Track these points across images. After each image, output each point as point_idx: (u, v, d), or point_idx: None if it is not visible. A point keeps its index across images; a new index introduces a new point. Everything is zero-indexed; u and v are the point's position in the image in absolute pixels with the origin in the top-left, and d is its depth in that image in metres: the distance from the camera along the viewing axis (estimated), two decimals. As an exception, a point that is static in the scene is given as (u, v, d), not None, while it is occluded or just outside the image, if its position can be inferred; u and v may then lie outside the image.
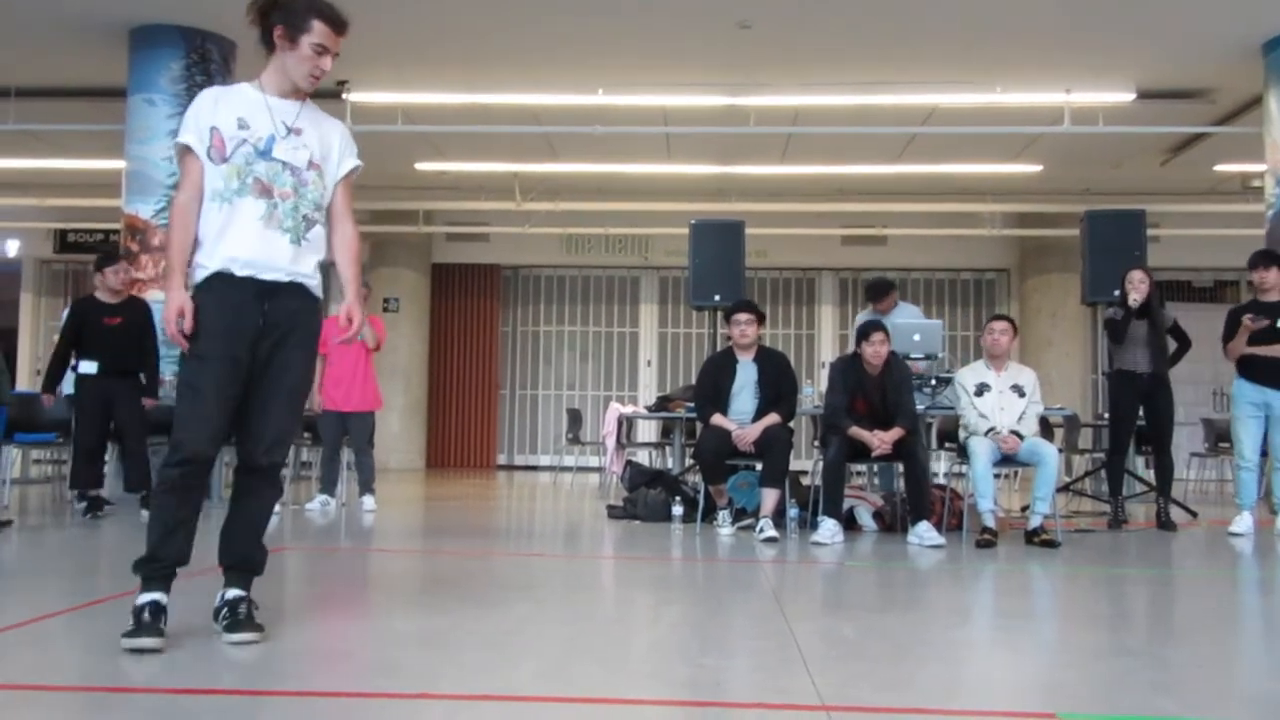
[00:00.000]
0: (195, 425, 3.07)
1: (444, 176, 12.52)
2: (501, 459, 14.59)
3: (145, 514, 6.55)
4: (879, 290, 7.95)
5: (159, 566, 3.04)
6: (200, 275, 3.09)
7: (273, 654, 2.93)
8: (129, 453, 6.83)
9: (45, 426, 7.47)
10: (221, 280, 3.07)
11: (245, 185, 3.07)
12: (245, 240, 3.06)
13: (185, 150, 3.09)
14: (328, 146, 3.24)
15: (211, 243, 3.07)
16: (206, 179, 3.07)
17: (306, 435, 9.28)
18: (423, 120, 9.89)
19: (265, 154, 3.09)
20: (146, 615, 2.94)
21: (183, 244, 3.07)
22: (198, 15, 7.97)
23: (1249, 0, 7.50)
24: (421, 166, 12.00)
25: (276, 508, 4.20)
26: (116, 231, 8.82)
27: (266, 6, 3.10)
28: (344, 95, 9.42)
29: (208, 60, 8.19)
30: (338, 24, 3.15)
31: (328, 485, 7.56)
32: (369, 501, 7.41)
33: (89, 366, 6.67)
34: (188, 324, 3.04)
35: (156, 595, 3.00)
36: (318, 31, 3.10)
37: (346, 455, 7.75)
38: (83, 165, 11.48)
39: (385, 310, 13.51)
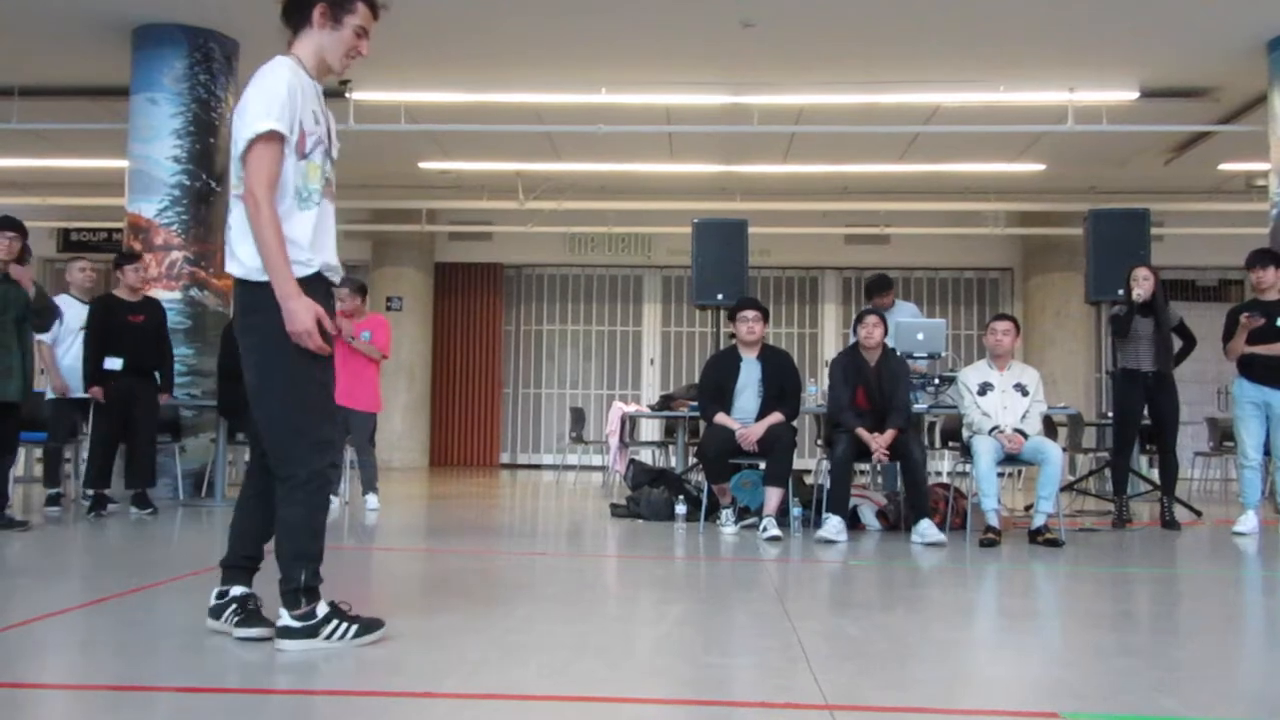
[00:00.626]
0: (333, 424, 3.12)
1: (447, 175, 12.53)
2: (505, 458, 14.60)
3: (136, 511, 6.64)
4: (879, 286, 8.00)
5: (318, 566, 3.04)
6: (300, 274, 2.95)
7: (276, 653, 2.94)
8: (139, 450, 6.86)
9: (39, 425, 7.48)
10: (320, 281, 3.03)
11: (323, 187, 3.04)
12: (332, 246, 3.07)
13: (273, 137, 2.89)
14: None
15: (306, 244, 2.97)
16: (284, 173, 2.94)
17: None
18: (426, 119, 9.90)
19: (329, 153, 3.08)
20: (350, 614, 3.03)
21: (284, 246, 2.90)
22: (201, 14, 7.98)
23: (1253, -1, 7.50)
24: (425, 165, 12.01)
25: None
26: (120, 230, 8.83)
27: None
28: (347, 94, 9.42)
29: (211, 59, 8.20)
30: (377, 8, 3.11)
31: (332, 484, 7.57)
32: (372, 500, 7.42)
33: (114, 363, 6.74)
34: (329, 327, 2.96)
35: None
36: (361, 13, 3.07)
37: (348, 454, 7.76)
38: (86, 164, 11.50)
39: (388, 309, 13.52)
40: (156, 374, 7.02)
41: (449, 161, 11.89)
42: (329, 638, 2.97)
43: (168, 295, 7.89)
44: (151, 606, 3.73)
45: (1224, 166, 11.53)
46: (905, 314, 8.03)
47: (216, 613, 3.13)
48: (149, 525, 6.31)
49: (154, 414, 7.01)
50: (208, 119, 8.20)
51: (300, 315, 2.88)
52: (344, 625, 3.00)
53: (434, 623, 3.45)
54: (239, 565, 3.16)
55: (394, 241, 13.82)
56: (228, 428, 7.67)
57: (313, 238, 2.99)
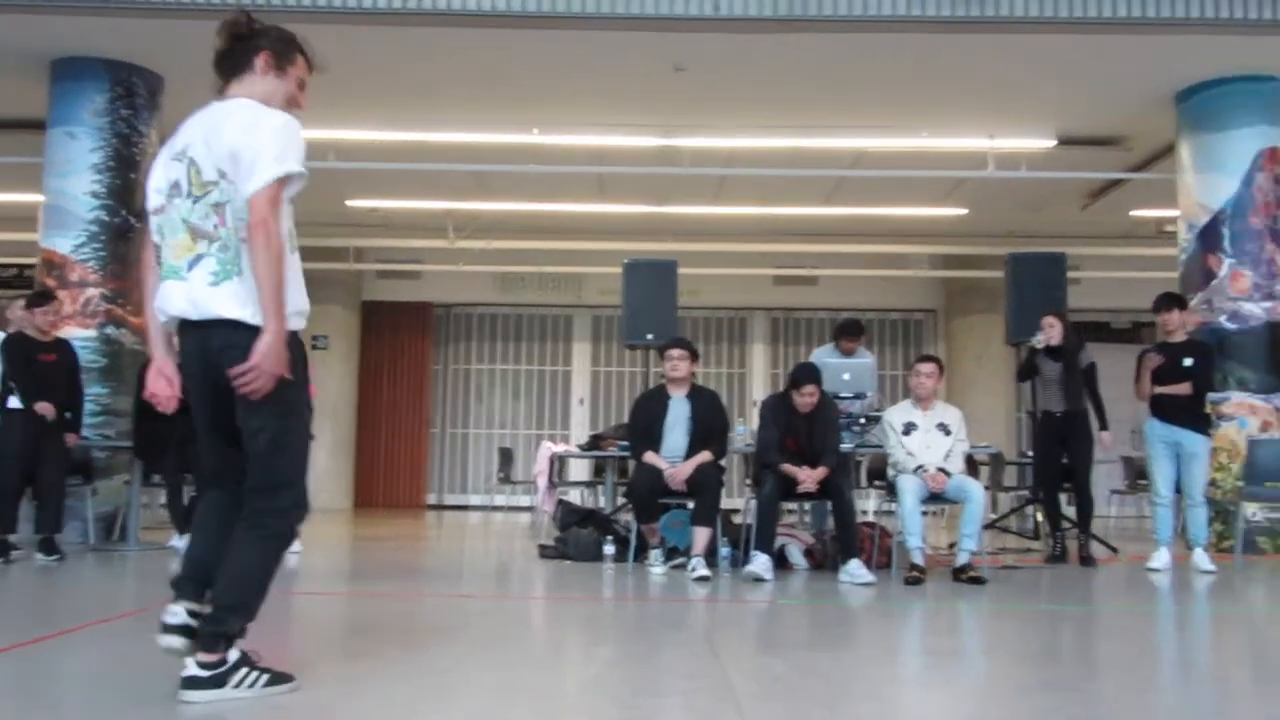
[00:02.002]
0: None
1: (375, 214, 12.44)
2: (431, 498, 14.41)
3: (42, 558, 6.41)
4: (849, 330, 7.94)
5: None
6: (300, 323, 2.95)
7: (181, 705, 2.84)
8: (47, 493, 6.64)
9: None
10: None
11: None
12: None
13: (291, 180, 2.88)
14: None
15: (297, 289, 2.94)
16: (287, 212, 2.92)
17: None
18: (355, 157, 9.83)
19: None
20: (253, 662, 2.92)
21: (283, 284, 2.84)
22: (124, 48, 7.85)
23: (1163, 53, 7.79)
24: (353, 203, 11.92)
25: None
26: (32, 266, 8.60)
27: (245, 32, 3.05)
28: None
29: (133, 94, 8.06)
30: (312, 65, 3.16)
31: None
32: (294, 543, 7.26)
33: (17, 403, 6.55)
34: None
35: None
36: (300, 64, 3.11)
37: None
38: (-3, 198, 11.20)
39: (314, 348, 13.33)
40: (67, 414, 6.82)
41: (378, 200, 11.81)
42: (237, 686, 2.85)
43: (83, 333, 7.70)
44: (50, 659, 3.60)
45: (1136, 213, 11.89)
46: (865, 361, 7.87)
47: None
48: (54, 572, 6.09)
49: (65, 455, 6.81)
50: (129, 154, 8.05)
51: (284, 359, 2.82)
52: (254, 673, 2.89)
53: (359, 668, 3.38)
54: (195, 577, 2.98)
55: (320, 280, 13.59)
56: (142, 469, 7.47)
57: (295, 285, 2.94)
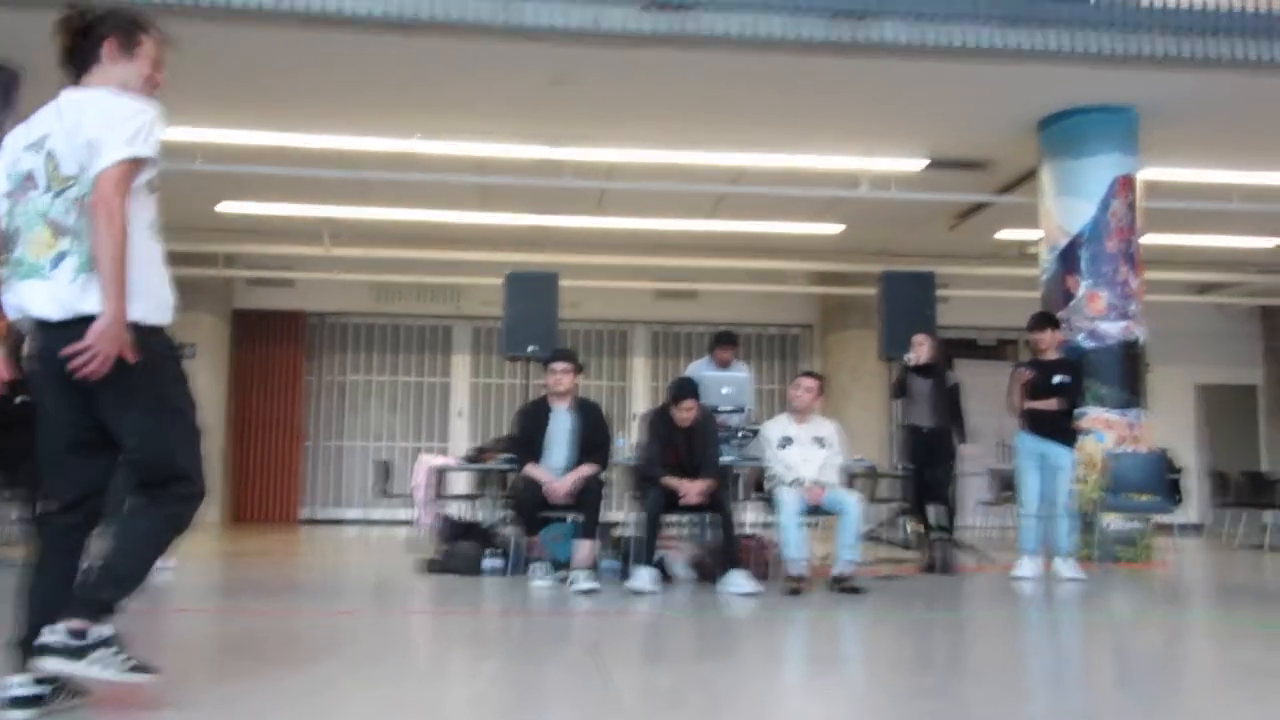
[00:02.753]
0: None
1: (247, 219, 12.09)
2: (306, 513, 14.03)
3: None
4: (724, 340, 8.06)
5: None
6: (165, 316, 2.91)
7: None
8: None
9: None
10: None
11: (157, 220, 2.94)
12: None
13: (142, 164, 2.80)
14: None
15: (160, 280, 2.90)
16: (138, 207, 2.82)
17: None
18: (226, 160, 9.53)
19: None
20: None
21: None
22: (-22, 41, 7.47)
23: (1027, 82, 8.12)
24: (223, 208, 11.55)
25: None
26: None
27: (83, 25, 2.91)
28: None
29: (-12, 88, 7.68)
30: (163, 39, 3.04)
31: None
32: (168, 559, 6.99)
33: None
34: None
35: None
36: (148, 44, 2.99)
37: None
38: None
39: (181, 357, 12.85)
40: None
41: (249, 203, 11.48)
42: (94, 664, 2.67)
43: (-69, 339, 7.27)
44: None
45: (1000, 234, 12.34)
46: (742, 375, 7.98)
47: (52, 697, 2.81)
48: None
49: None
50: (-17, 152, 7.65)
51: (122, 341, 2.72)
52: (120, 654, 2.72)
53: (231, 688, 3.26)
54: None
55: (189, 286, 13.06)
56: (-3, 483, 7.09)
57: (160, 274, 2.91)
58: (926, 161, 9.97)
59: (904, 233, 12.59)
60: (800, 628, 5.00)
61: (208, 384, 13.25)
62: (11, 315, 2.89)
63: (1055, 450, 7.07)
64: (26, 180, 2.83)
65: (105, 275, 2.70)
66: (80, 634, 2.68)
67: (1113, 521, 8.12)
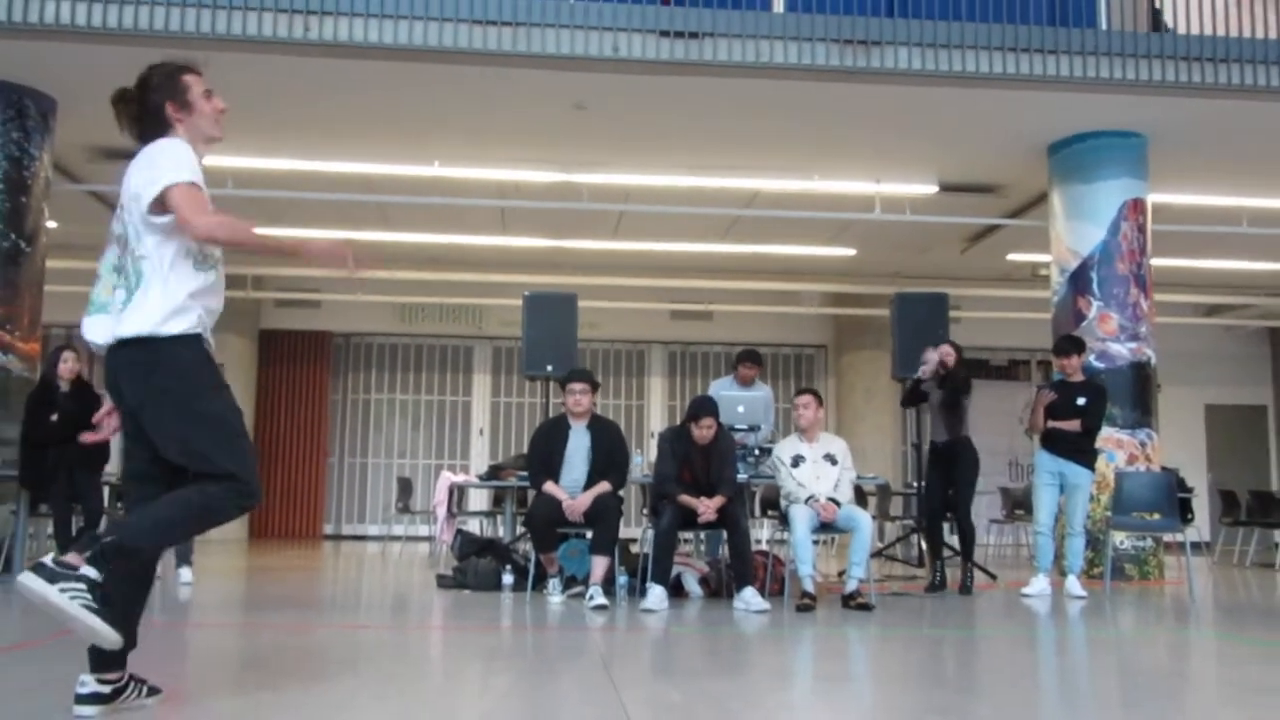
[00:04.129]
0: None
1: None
2: (329, 528, 14.07)
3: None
4: (749, 357, 7.95)
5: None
6: (200, 328, 3.01)
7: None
8: None
9: None
10: (202, 342, 3.04)
11: (220, 255, 3.09)
12: (217, 313, 3.11)
13: (194, 187, 2.91)
14: None
15: (203, 300, 3.01)
16: (176, 234, 2.93)
17: (120, 503, 8.76)
18: (254, 185, 9.61)
19: None
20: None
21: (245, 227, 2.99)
22: (15, 70, 7.56)
23: (1036, 108, 8.10)
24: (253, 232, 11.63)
25: None
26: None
27: (130, 96, 3.04)
28: (172, 157, 9.08)
29: (25, 116, 7.76)
30: (197, 69, 3.14)
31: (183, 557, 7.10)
32: (186, 574, 7.01)
33: None
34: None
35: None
36: (194, 82, 3.09)
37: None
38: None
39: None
40: None
41: (278, 228, 11.55)
42: (63, 592, 2.67)
43: (-33, 359, 7.36)
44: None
45: (1012, 257, 12.29)
46: (761, 394, 7.89)
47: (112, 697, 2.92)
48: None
49: None
50: (20, 177, 7.74)
51: (324, 244, 3.06)
52: (87, 594, 2.69)
53: (251, 700, 3.27)
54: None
55: (217, 307, 13.28)
56: (29, 499, 7.14)
57: (204, 299, 3.01)
58: (937, 186, 9.95)
59: (916, 255, 12.57)
60: (810, 644, 4.97)
61: (237, 400, 13.31)
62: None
63: (1073, 469, 7.02)
64: (112, 237, 3.10)
65: (264, 247, 3.16)
66: (68, 565, 2.73)
67: (1123, 540, 8.06)
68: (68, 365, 7.07)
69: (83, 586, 2.70)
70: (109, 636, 2.72)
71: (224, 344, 13.29)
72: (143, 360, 2.91)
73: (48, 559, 2.74)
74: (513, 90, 7.86)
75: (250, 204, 10.46)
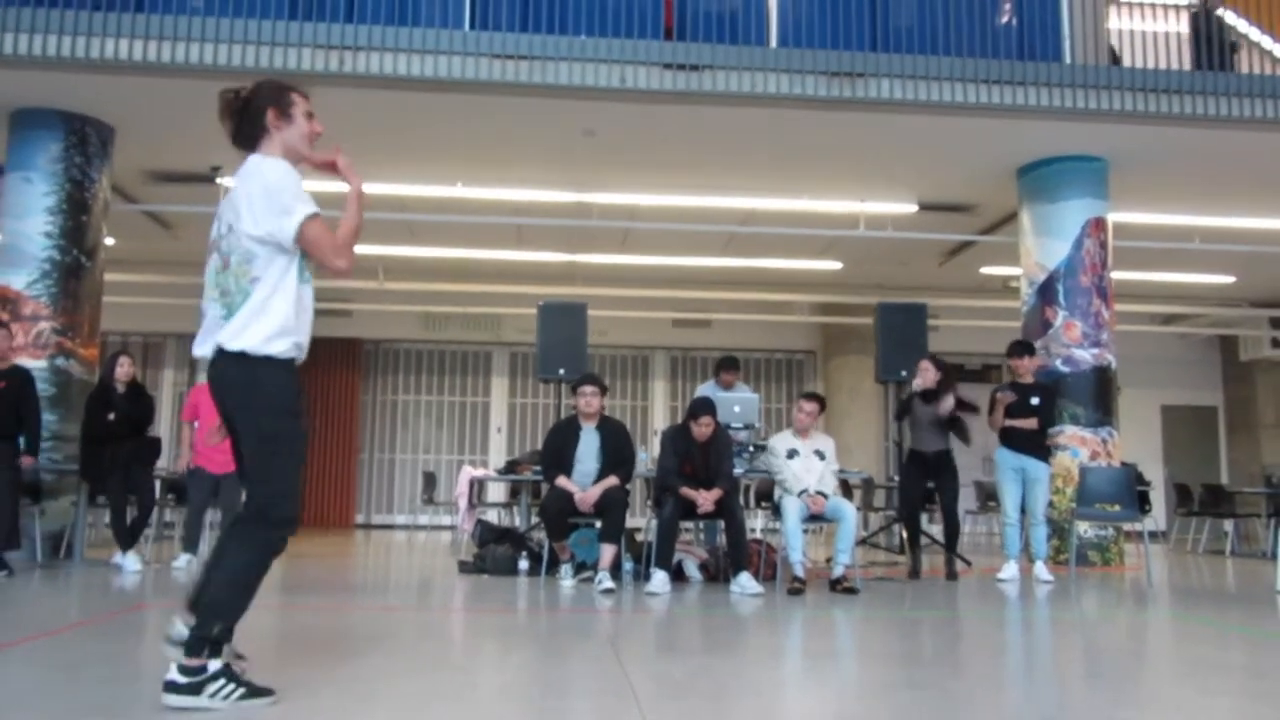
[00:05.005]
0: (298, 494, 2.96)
1: (312, 257, 12.19)
2: (360, 518, 14.07)
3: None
4: (728, 364, 7.97)
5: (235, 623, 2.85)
6: (293, 354, 2.92)
7: (129, 709, 2.73)
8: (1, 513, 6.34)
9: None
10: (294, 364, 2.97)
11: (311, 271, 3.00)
12: (309, 326, 3.00)
13: (319, 219, 2.91)
14: None
15: (294, 325, 2.91)
16: (296, 255, 2.91)
17: (170, 495, 8.78)
18: (294, 205, 9.63)
19: None
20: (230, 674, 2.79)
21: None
22: (78, 101, 7.60)
23: (1006, 134, 8.11)
24: (290, 247, 11.66)
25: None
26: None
27: (242, 103, 3.02)
28: (217, 179, 9.12)
29: (86, 143, 7.81)
30: (305, 92, 3.12)
31: (190, 544, 7.12)
32: (181, 559, 7.03)
33: None
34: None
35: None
36: (300, 101, 3.07)
37: (208, 516, 7.39)
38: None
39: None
40: (21, 440, 6.52)
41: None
42: (212, 696, 2.72)
43: (34, 363, 7.38)
44: None
45: (985, 270, 12.29)
46: (748, 394, 7.91)
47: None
48: (3, 587, 5.79)
49: (17, 478, 6.51)
50: (81, 198, 7.78)
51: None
52: (230, 685, 2.75)
53: (287, 675, 3.28)
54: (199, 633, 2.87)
55: (259, 316, 13.30)
56: (88, 491, 7.17)
57: (298, 317, 2.92)
58: (917, 205, 9.95)
59: (897, 268, 12.57)
60: (800, 625, 4.97)
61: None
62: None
63: (1033, 464, 7.02)
64: (211, 245, 2.98)
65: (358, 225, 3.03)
66: (196, 670, 2.73)
67: (1086, 529, 8.06)
68: (123, 369, 7.09)
69: (221, 681, 2.75)
70: (264, 703, 2.79)
71: (265, 349, 13.31)
72: (241, 375, 2.85)
73: (173, 674, 2.72)
74: (529, 118, 7.88)
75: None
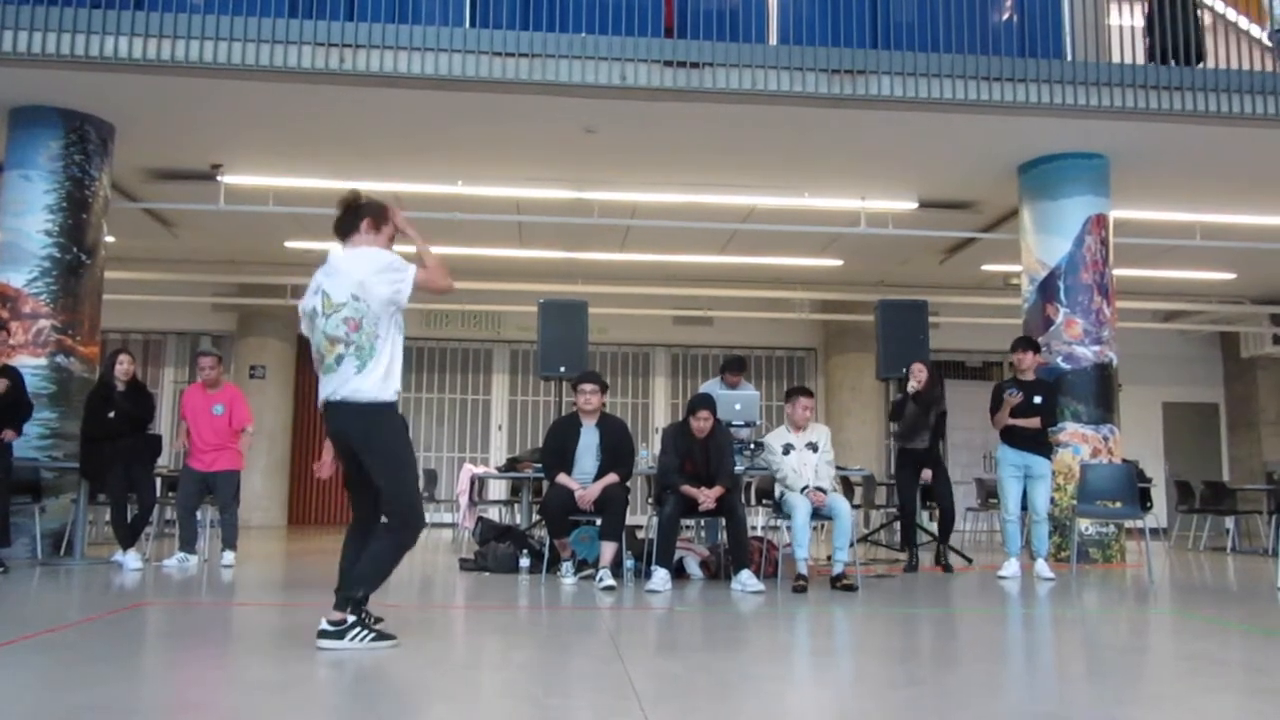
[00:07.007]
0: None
1: (311, 254, 12.19)
2: (360, 516, 14.06)
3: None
4: (733, 366, 7.93)
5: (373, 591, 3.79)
6: (396, 396, 3.81)
7: (129, 708, 2.73)
8: None
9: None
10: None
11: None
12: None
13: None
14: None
15: (397, 373, 3.83)
16: (398, 320, 3.85)
17: (171, 493, 8.79)
18: (292, 202, 9.64)
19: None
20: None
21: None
22: (77, 98, 7.59)
23: (1007, 131, 8.10)
24: (290, 244, 11.67)
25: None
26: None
27: (354, 205, 3.99)
28: (218, 177, 9.12)
29: (86, 140, 7.79)
30: (398, 227, 4.05)
31: (186, 542, 7.10)
32: (228, 557, 7.03)
33: None
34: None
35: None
36: (390, 226, 4.02)
37: (209, 513, 7.39)
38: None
39: (252, 377, 12.98)
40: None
41: (314, 242, 11.58)
42: (352, 639, 3.65)
43: (34, 361, 7.39)
44: None
45: (986, 267, 12.27)
46: (753, 393, 7.88)
47: (339, 635, 3.68)
48: (0, 585, 5.79)
49: (4, 478, 6.51)
50: (81, 196, 7.77)
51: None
52: (364, 631, 3.69)
53: (287, 672, 3.28)
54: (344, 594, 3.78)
55: (259, 314, 13.31)
56: (88, 489, 7.17)
57: (398, 366, 3.80)
58: (917, 203, 9.94)
59: (898, 266, 12.56)
60: (802, 622, 4.97)
61: (276, 399, 13.36)
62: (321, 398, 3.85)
63: (1035, 461, 7.03)
64: (313, 313, 3.84)
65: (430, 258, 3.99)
66: (339, 622, 3.68)
67: (1087, 526, 8.06)
68: (124, 367, 7.09)
69: (358, 630, 3.68)
70: (389, 648, 3.68)
71: (265, 348, 13.36)
72: (368, 416, 3.73)
73: (324, 624, 3.68)
74: (529, 116, 7.87)
75: (290, 220, 10.52)
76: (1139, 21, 8.26)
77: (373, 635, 3.71)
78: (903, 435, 7.51)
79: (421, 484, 11.51)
